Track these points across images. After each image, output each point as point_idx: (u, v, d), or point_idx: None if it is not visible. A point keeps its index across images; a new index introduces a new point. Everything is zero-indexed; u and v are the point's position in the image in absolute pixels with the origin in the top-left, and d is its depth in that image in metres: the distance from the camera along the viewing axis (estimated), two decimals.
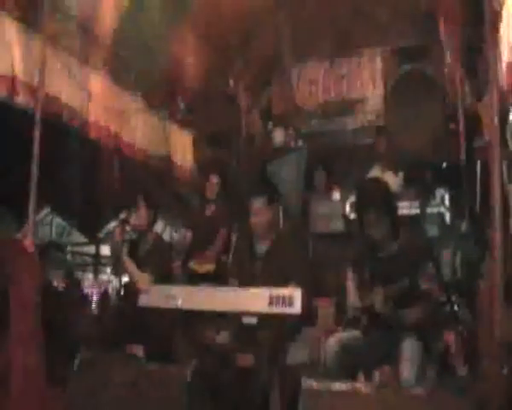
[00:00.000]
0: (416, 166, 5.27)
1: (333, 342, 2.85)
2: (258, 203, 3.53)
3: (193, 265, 4.70)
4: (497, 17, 2.90)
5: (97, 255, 10.67)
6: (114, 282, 8.22)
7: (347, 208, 5.22)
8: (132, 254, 3.75)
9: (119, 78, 4.65)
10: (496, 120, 2.62)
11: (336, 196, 5.44)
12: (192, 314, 3.25)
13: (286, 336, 3.21)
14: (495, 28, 2.84)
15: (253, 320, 2.93)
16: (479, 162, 4.59)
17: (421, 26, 5.55)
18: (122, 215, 4.11)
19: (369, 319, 2.85)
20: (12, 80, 3.53)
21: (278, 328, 3.07)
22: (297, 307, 2.70)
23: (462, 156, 4.94)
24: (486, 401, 2.30)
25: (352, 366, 2.77)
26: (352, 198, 4.59)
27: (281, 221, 5.52)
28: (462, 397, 2.29)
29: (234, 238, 4.75)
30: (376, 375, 2.64)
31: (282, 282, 3.14)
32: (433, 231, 4.72)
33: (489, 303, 2.56)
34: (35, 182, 3.30)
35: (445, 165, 5.29)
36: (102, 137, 4.54)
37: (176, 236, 5.82)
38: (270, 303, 2.75)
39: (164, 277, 3.59)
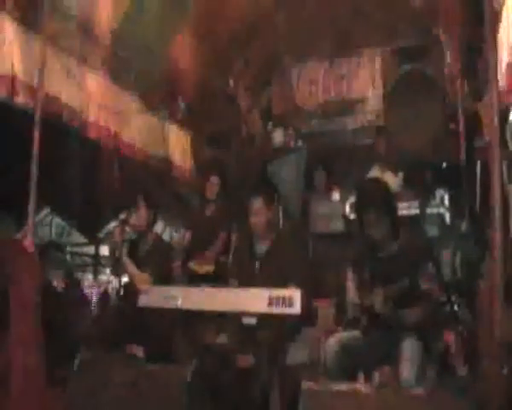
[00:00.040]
0: (416, 167, 5.27)
1: (333, 342, 2.85)
2: (257, 203, 3.54)
3: (193, 265, 4.70)
4: (496, 17, 2.90)
5: (97, 256, 10.67)
6: (114, 282, 8.21)
7: (347, 208, 5.22)
8: (132, 254, 3.75)
9: (119, 78, 4.64)
10: (496, 120, 2.62)
11: (336, 196, 5.44)
12: (192, 315, 3.25)
13: (286, 337, 3.21)
14: (495, 28, 2.83)
15: (253, 321, 2.93)
16: (479, 162, 4.59)
17: (421, 26, 5.56)
18: (122, 215, 4.10)
19: (369, 319, 2.85)
20: (12, 80, 3.53)
21: (278, 328, 3.07)
22: (297, 308, 2.70)
23: (462, 156, 4.95)
24: (486, 401, 2.30)
25: (352, 366, 2.77)
26: (352, 198, 4.59)
27: (281, 221, 5.53)
28: (462, 397, 2.29)
29: (234, 239, 4.75)
30: (376, 375, 2.63)
31: (282, 282, 3.14)
32: (432, 231, 4.72)
33: (489, 303, 2.56)
34: (35, 182, 3.30)
35: (444, 165, 5.29)
36: (102, 137, 4.54)
37: (175, 236, 5.81)
38: (270, 304, 2.75)
39: (164, 277, 3.59)
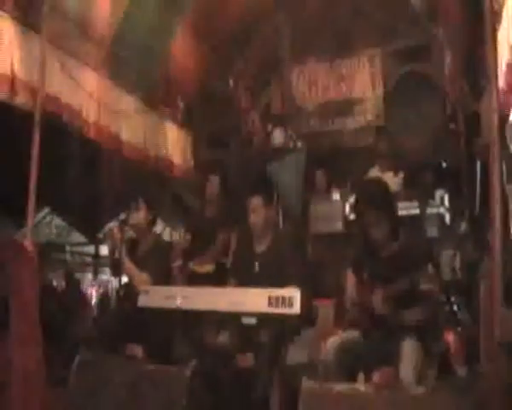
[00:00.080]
0: (416, 167, 5.27)
1: (332, 342, 2.85)
2: (256, 202, 3.55)
3: (193, 265, 4.70)
4: (496, 17, 2.90)
5: (97, 255, 10.66)
6: (114, 282, 8.21)
7: (347, 209, 5.22)
8: (132, 254, 3.75)
9: (119, 78, 4.64)
10: (496, 120, 2.62)
11: (336, 196, 5.44)
12: (192, 315, 3.25)
13: (285, 337, 3.20)
14: (495, 28, 2.83)
15: (253, 321, 2.93)
16: (478, 163, 4.59)
17: (421, 26, 5.56)
18: (122, 215, 4.10)
19: (369, 319, 2.84)
20: (12, 80, 3.53)
21: (278, 328, 3.07)
22: (296, 308, 2.70)
23: (462, 157, 4.95)
24: (486, 401, 2.30)
25: (352, 366, 2.77)
26: (352, 198, 4.60)
27: (280, 222, 5.54)
28: (462, 397, 2.29)
29: (233, 239, 4.75)
30: (376, 375, 2.63)
31: (281, 282, 3.14)
32: (432, 231, 4.73)
33: (489, 303, 2.56)
34: (35, 182, 3.30)
35: (444, 165, 5.29)
36: (102, 138, 4.54)
37: (175, 236, 5.82)
38: (270, 304, 2.75)
39: (163, 277, 3.59)
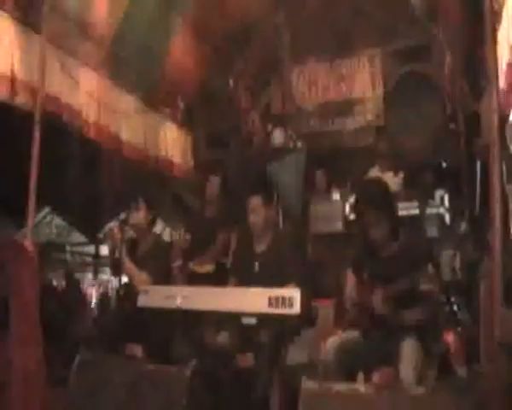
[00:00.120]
0: (416, 167, 5.27)
1: (332, 342, 2.85)
2: (255, 201, 3.56)
3: (193, 265, 4.70)
4: (496, 17, 2.90)
5: (97, 255, 10.67)
6: (114, 282, 8.21)
7: (347, 209, 5.22)
8: (132, 254, 3.75)
9: (119, 78, 4.65)
10: (496, 120, 2.62)
11: (336, 196, 5.44)
12: (192, 315, 3.25)
13: (285, 337, 3.20)
14: (495, 28, 2.83)
15: (253, 321, 2.93)
16: (478, 163, 4.59)
17: (421, 26, 5.56)
18: (122, 215, 4.10)
19: (369, 319, 2.84)
20: (12, 80, 3.53)
21: (278, 328, 3.07)
22: (296, 308, 2.70)
23: (462, 157, 4.95)
24: (486, 401, 2.30)
25: (352, 366, 2.77)
26: (352, 198, 4.60)
27: (280, 221, 5.54)
28: (462, 397, 2.29)
29: (233, 239, 4.75)
30: (376, 375, 2.63)
31: (281, 282, 3.15)
32: (432, 231, 4.73)
33: (489, 304, 2.56)
34: (35, 182, 3.30)
35: (444, 165, 5.29)
36: (102, 137, 4.54)
37: (175, 236, 5.81)
38: (270, 304, 2.75)
39: (163, 277, 3.59)
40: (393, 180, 5.01)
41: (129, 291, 3.70)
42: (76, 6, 4.00)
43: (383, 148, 5.50)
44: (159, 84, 5.17)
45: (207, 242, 4.80)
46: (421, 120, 5.56)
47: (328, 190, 5.62)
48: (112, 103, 4.61)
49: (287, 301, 2.71)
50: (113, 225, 4.40)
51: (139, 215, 3.80)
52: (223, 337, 3.33)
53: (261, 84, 6.66)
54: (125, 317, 3.59)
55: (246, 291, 2.99)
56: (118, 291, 4.74)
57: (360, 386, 2.50)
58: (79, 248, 11.69)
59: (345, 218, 5.24)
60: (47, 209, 10.09)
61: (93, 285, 10.44)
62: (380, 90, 6.29)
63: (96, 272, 11.01)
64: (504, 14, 2.89)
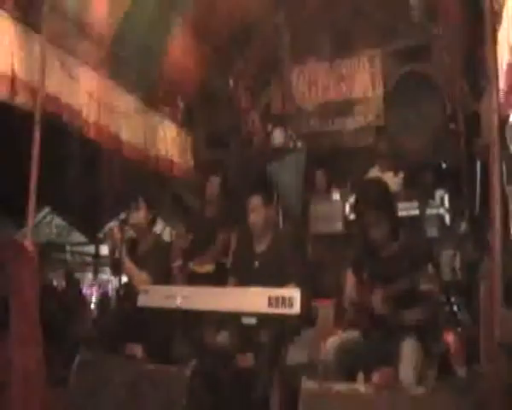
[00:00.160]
0: (416, 167, 5.27)
1: (332, 342, 2.85)
2: (255, 201, 3.56)
3: (193, 265, 4.70)
4: (497, 18, 2.90)
5: (97, 255, 10.67)
6: (114, 282, 8.21)
7: (347, 209, 5.22)
8: (132, 254, 3.75)
9: (119, 78, 4.64)
10: (496, 120, 2.63)
11: (336, 196, 5.44)
12: (192, 315, 3.25)
13: (285, 337, 3.20)
14: (495, 28, 2.84)
15: (253, 321, 2.93)
16: (478, 163, 4.59)
17: (421, 26, 5.56)
18: (122, 215, 4.10)
19: (369, 319, 2.85)
20: (12, 80, 3.53)
21: (278, 328, 3.07)
22: (296, 308, 2.70)
23: (462, 157, 4.95)
24: (486, 401, 2.30)
25: (352, 366, 2.77)
26: (352, 199, 4.60)
27: (280, 221, 5.54)
28: (462, 398, 2.29)
29: (233, 239, 4.75)
30: (376, 376, 2.63)
31: (281, 281, 3.15)
32: (432, 231, 4.73)
33: (489, 304, 2.56)
34: (35, 182, 3.30)
35: (444, 165, 5.29)
36: (102, 137, 4.54)
37: (175, 236, 5.81)
38: (270, 304, 2.75)
39: (163, 277, 3.59)
40: (393, 180, 5.01)
41: (129, 291, 3.70)
42: (76, 6, 4.00)
43: (383, 148, 5.50)
44: (159, 84, 5.17)
45: (207, 242, 4.80)
46: (421, 120, 5.56)
47: (328, 190, 5.62)
48: (112, 103, 4.61)
49: (287, 301, 2.71)
50: (113, 224, 4.40)
51: (139, 215, 3.80)
52: (223, 337, 3.33)
53: (261, 84, 6.66)
54: (125, 317, 3.59)
55: (246, 291, 2.99)
56: (118, 291, 4.74)
57: (360, 386, 2.50)
58: (79, 248, 11.70)
59: (345, 218, 5.24)
60: (47, 209, 10.10)
61: (93, 285, 10.44)
62: (380, 90, 6.28)
63: (95, 272, 11.01)
64: (504, 14, 2.89)
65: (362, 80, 6.39)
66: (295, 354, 3.23)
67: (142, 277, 3.53)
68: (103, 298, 9.04)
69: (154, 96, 5.22)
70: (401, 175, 5.22)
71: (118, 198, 5.91)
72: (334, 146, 6.34)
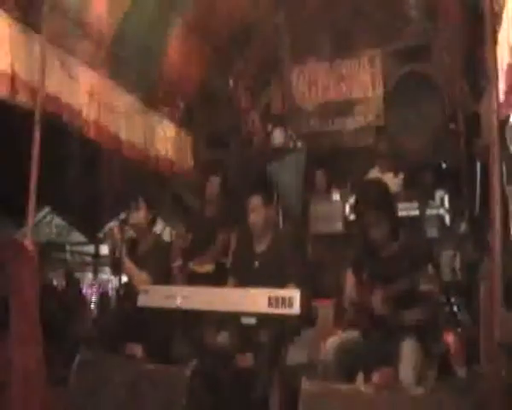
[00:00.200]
0: (416, 168, 5.27)
1: (332, 342, 2.85)
2: (255, 201, 3.56)
3: (193, 265, 4.70)
4: (497, 19, 2.90)
5: (97, 255, 10.68)
6: (114, 281, 8.21)
7: (347, 209, 5.22)
8: (132, 254, 3.75)
9: (119, 78, 4.64)
10: (496, 120, 2.63)
11: (336, 196, 5.44)
12: (191, 315, 3.25)
13: (285, 337, 3.21)
14: (495, 29, 2.84)
15: (252, 321, 2.93)
16: (478, 163, 4.60)
17: (421, 26, 5.56)
18: (122, 215, 4.11)
19: (369, 319, 2.85)
20: (12, 79, 3.52)
21: (278, 329, 3.07)
22: (296, 308, 2.70)
23: (462, 157, 4.95)
24: (486, 401, 2.30)
25: (352, 366, 2.77)
26: (352, 199, 4.60)
27: (280, 221, 5.54)
28: (462, 398, 2.29)
29: (233, 239, 4.75)
30: (376, 376, 2.63)
31: (281, 281, 3.15)
32: (432, 232, 4.73)
33: (489, 304, 2.56)
34: (35, 181, 3.30)
35: (444, 166, 5.29)
36: (102, 137, 4.54)
37: (175, 236, 5.81)
38: (270, 304, 2.75)
39: (163, 277, 3.59)
40: (393, 181, 5.01)
41: (129, 291, 3.70)
42: (76, 5, 4.00)
43: (383, 148, 5.50)
44: (159, 84, 5.16)
45: (207, 242, 4.81)
46: (421, 121, 5.56)
47: (328, 190, 5.62)
48: (112, 103, 4.60)
49: (287, 301, 2.71)
50: (113, 224, 4.40)
51: (139, 215, 3.80)
52: (223, 337, 3.33)
53: (261, 84, 6.66)
54: (125, 317, 3.59)
55: (246, 291, 2.99)
56: (118, 291, 4.74)
57: (360, 386, 2.50)
58: (79, 248, 11.70)
59: (345, 218, 5.24)
60: (47, 209, 10.11)
61: (93, 285, 10.44)
62: (380, 91, 6.29)
63: (95, 272, 11.01)
64: (504, 15, 2.89)
65: (362, 80, 6.39)
66: (295, 354, 3.23)
67: (142, 277, 3.53)
68: (103, 298, 9.03)
69: (153, 96, 5.21)
70: (401, 176, 5.22)
71: (118, 198, 5.91)
72: (334, 146, 6.34)
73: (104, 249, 9.37)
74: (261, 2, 5.40)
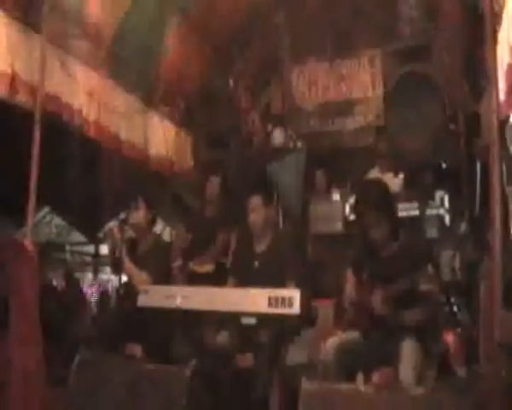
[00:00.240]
0: (416, 168, 5.27)
1: (332, 342, 2.85)
2: (255, 201, 3.56)
3: (193, 265, 4.70)
4: (497, 19, 2.90)
5: (97, 255, 10.68)
6: (114, 281, 8.22)
7: (347, 209, 5.22)
8: (132, 253, 3.75)
9: (119, 78, 4.64)
10: (495, 120, 2.63)
11: (336, 196, 5.44)
12: (191, 314, 3.25)
13: (285, 337, 3.21)
14: (495, 29, 2.84)
15: (252, 321, 2.93)
16: (478, 163, 4.59)
17: (421, 27, 5.56)
18: (122, 215, 4.11)
19: (369, 319, 2.85)
20: (12, 79, 3.52)
21: (278, 329, 3.07)
22: (296, 308, 2.70)
23: (462, 157, 4.95)
24: (486, 401, 2.30)
25: (352, 366, 2.76)
26: (352, 199, 4.60)
27: (280, 221, 5.54)
28: (462, 398, 2.29)
29: (233, 239, 4.75)
30: (376, 376, 2.63)
31: (281, 281, 3.15)
32: (432, 232, 4.72)
33: (488, 304, 2.56)
34: (35, 181, 3.30)
35: (444, 166, 5.29)
36: (102, 137, 4.54)
37: (175, 236, 5.81)
38: (270, 304, 2.75)
39: (163, 277, 3.59)
40: (393, 181, 5.01)
41: (129, 291, 3.71)
42: (76, 6, 4.00)
43: (383, 148, 5.50)
44: (158, 83, 5.16)
45: (207, 242, 4.80)
46: (421, 121, 5.55)
47: (328, 190, 5.61)
48: (112, 103, 4.60)
49: (286, 301, 2.72)
50: (112, 224, 4.40)
51: (139, 215, 3.80)
52: (223, 337, 3.33)
53: (261, 84, 6.66)
54: (125, 316, 3.59)
55: (245, 291, 2.99)
56: (118, 291, 4.74)
57: (360, 386, 2.50)
58: (79, 248, 11.71)
59: (345, 218, 5.24)
60: (47, 209, 10.11)
61: (93, 285, 10.44)
62: (380, 91, 6.28)
63: (95, 272, 11.02)
64: (505, 15, 2.89)
65: (362, 80, 6.38)
66: (295, 354, 3.23)
67: (142, 277, 3.53)
68: (103, 298, 9.03)
69: (153, 96, 5.21)
70: (401, 176, 5.22)
71: (117, 198, 5.91)
72: (334, 146, 6.33)
73: (104, 249, 9.38)
74: (261, 2, 5.40)
